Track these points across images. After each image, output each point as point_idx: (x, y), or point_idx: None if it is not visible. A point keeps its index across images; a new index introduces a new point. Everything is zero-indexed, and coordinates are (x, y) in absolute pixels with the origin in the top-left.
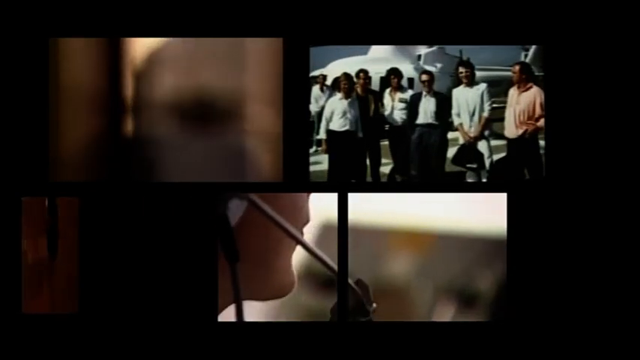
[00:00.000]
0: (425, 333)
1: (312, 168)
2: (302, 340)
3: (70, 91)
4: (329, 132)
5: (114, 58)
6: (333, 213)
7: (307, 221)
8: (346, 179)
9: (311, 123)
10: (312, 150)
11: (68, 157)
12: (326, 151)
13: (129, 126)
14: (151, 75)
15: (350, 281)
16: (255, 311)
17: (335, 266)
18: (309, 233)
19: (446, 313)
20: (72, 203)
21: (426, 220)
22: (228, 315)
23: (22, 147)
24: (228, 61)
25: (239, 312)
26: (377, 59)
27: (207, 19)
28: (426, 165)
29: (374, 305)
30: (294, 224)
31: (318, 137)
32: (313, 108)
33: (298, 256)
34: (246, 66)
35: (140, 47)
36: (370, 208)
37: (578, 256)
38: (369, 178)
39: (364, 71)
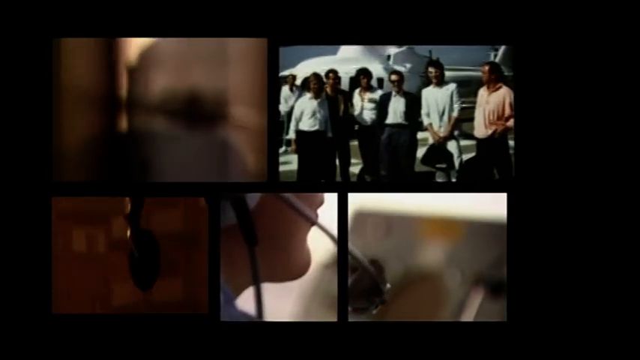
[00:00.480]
0: (425, 333)
1: (281, 168)
2: (303, 340)
3: (69, 91)
4: (298, 132)
5: (110, 57)
6: (366, 202)
7: (322, 203)
8: (316, 179)
9: (280, 123)
10: (281, 150)
11: (70, 157)
12: (295, 151)
13: (124, 125)
14: (145, 74)
15: (365, 261)
16: (289, 298)
17: (353, 248)
18: (323, 214)
19: (476, 300)
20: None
21: (457, 207)
22: (247, 297)
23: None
24: (213, 60)
25: (258, 294)
26: (346, 59)
27: (189, 19)
28: (395, 165)
29: (388, 285)
30: (309, 206)
31: (288, 137)
32: (283, 108)
33: (328, 245)
34: (231, 66)
35: (134, 47)
36: (402, 196)
37: (574, 255)
38: (338, 178)
39: (334, 71)
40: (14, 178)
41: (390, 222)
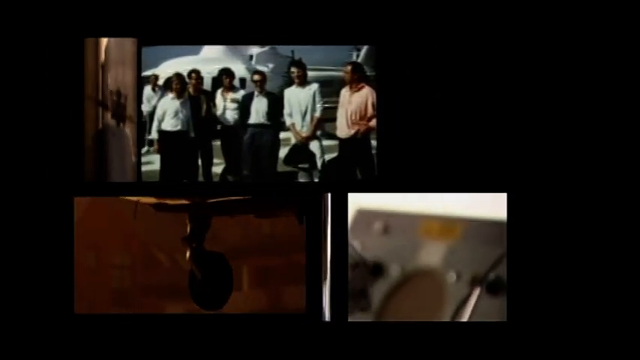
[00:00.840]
0: (425, 333)
1: (143, 168)
2: (303, 339)
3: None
4: (161, 132)
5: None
6: (365, 202)
7: None
8: (178, 179)
9: (143, 123)
10: (144, 150)
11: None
12: (158, 151)
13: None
14: (105, 73)
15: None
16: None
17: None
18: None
19: (474, 299)
20: None
21: (457, 207)
22: None
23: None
24: (120, 60)
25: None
26: (209, 59)
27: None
28: (258, 165)
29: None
30: None
31: (150, 137)
32: (145, 108)
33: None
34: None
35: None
36: (402, 196)
37: (573, 255)
38: (200, 178)
39: (196, 71)
40: (37, 179)
41: (390, 221)
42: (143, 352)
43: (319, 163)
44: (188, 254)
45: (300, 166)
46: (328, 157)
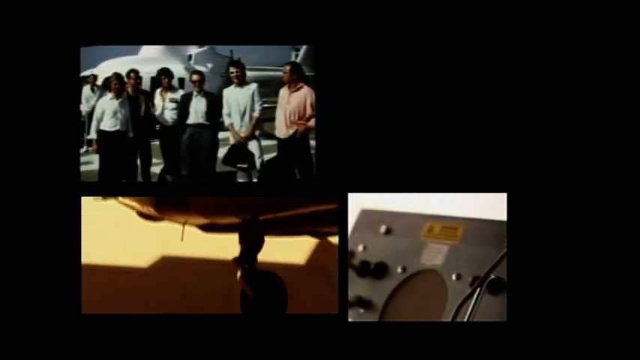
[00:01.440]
0: (426, 333)
1: (82, 168)
2: (302, 338)
3: None
4: (100, 132)
5: None
6: (367, 202)
7: None
8: (117, 179)
9: (82, 123)
10: (82, 150)
11: None
12: (97, 151)
13: None
14: None
15: None
16: None
17: None
18: None
19: (474, 298)
20: None
21: (458, 207)
22: None
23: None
24: None
25: None
26: (147, 59)
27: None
28: (196, 165)
29: None
30: None
31: (89, 137)
32: (84, 108)
33: None
34: None
35: None
36: (403, 196)
37: (574, 255)
38: (139, 178)
39: (135, 71)
40: (44, 179)
41: (393, 222)
42: (153, 354)
43: (258, 163)
44: (239, 275)
45: (239, 166)
46: (267, 157)
